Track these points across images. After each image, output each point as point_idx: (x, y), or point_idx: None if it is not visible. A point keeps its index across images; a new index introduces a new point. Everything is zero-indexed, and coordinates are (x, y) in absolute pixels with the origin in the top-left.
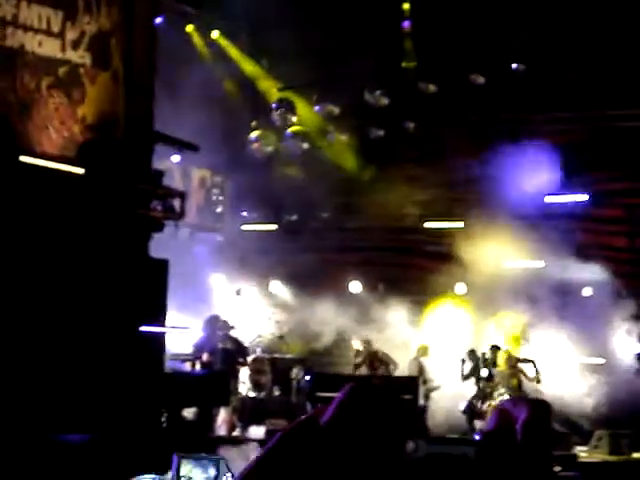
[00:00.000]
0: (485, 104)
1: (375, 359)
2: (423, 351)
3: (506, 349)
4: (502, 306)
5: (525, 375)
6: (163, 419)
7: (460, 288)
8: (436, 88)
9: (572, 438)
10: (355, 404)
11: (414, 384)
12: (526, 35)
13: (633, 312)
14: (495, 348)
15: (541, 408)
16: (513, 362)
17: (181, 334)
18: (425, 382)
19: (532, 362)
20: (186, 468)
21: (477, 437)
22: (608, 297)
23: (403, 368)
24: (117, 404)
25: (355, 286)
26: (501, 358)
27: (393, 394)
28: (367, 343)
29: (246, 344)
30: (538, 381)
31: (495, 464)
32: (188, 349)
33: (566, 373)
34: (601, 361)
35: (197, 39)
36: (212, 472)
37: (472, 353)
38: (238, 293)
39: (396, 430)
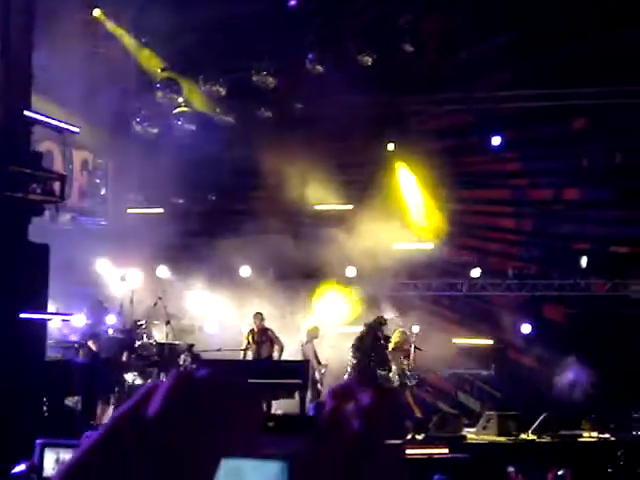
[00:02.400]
0: (373, 85)
1: (264, 334)
2: (314, 333)
3: (402, 329)
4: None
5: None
6: (44, 407)
7: (350, 271)
8: (323, 69)
9: (461, 420)
10: (182, 393)
11: (304, 368)
12: (413, 15)
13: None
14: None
15: (387, 396)
16: (407, 342)
17: (63, 321)
18: (319, 364)
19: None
20: (51, 457)
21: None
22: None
23: (292, 352)
24: None
25: (245, 270)
26: (396, 337)
27: (226, 385)
28: (259, 318)
29: (132, 331)
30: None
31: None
32: (73, 336)
33: (453, 353)
34: (490, 342)
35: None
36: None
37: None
38: (123, 279)
39: (229, 423)
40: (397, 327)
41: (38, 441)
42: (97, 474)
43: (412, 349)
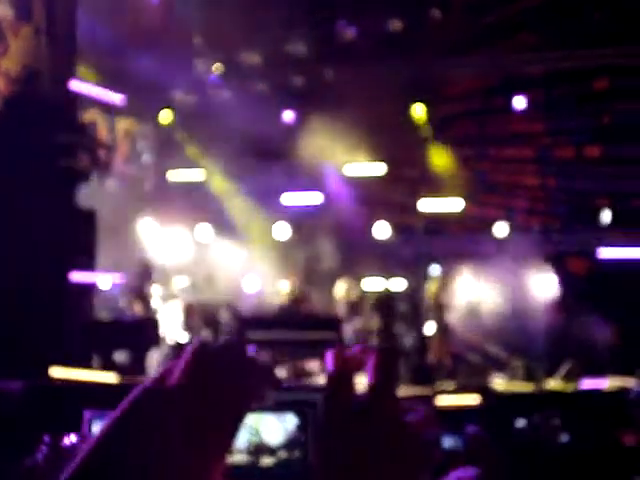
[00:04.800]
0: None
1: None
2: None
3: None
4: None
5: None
6: (94, 364)
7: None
8: (355, 34)
9: (489, 368)
10: (201, 364)
11: (339, 323)
12: None
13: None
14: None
15: (390, 355)
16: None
17: (112, 281)
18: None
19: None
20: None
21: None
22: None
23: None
24: (49, 351)
25: (281, 231)
26: (433, 286)
27: (239, 352)
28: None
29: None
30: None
31: (341, 410)
32: (120, 296)
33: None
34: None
35: None
36: None
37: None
38: (167, 238)
39: (245, 387)
40: (436, 277)
41: (86, 413)
42: (124, 444)
43: (448, 300)
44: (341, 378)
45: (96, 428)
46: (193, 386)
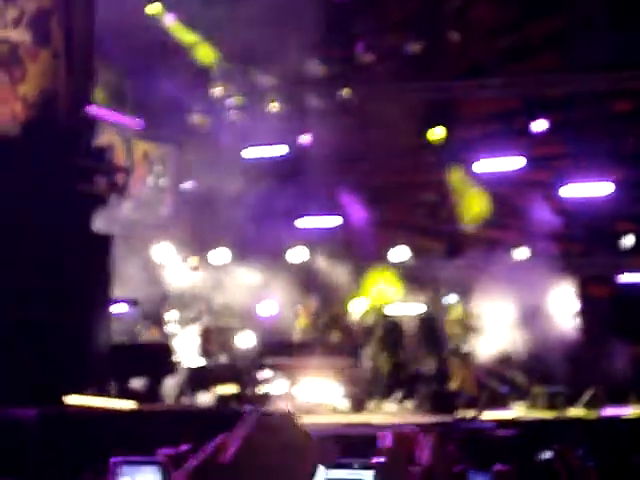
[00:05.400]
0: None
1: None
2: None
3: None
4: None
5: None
6: (111, 390)
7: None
8: (374, 57)
9: (510, 396)
10: (257, 438)
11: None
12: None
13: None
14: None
15: (446, 441)
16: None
17: (129, 305)
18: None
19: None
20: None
21: (375, 460)
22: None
23: None
24: (66, 377)
25: (299, 253)
26: (456, 311)
27: (293, 424)
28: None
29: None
30: (481, 331)
31: None
32: (137, 321)
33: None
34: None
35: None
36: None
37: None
38: (183, 264)
39: (301, 461)
40: (458, 302)
41: (113, 460)
42: None
43: (472, 325)
44: (396, 458)
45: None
46: (247, 460)
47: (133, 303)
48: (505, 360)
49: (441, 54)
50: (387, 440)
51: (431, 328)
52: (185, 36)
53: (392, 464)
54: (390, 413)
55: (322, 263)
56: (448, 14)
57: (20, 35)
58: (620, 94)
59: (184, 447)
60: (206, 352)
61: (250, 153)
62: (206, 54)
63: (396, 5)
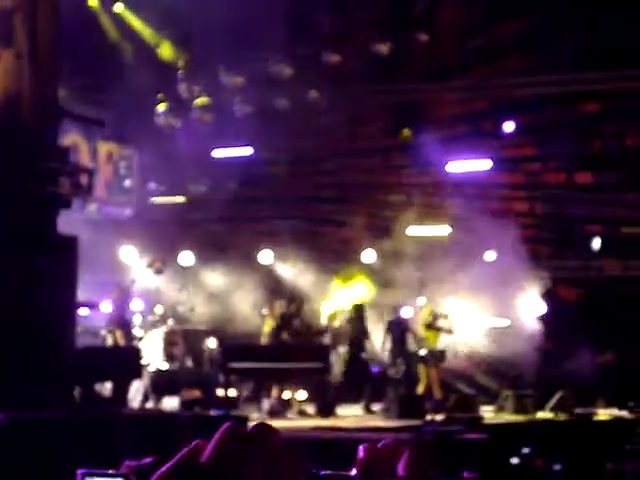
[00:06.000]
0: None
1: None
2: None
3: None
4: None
5: (441, 328)
6: (76, 395)
7: (368, 255)
8: (341, 58)
9: (479, 399)
10: (232, 448)
11: (326, 352)
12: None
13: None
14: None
15: (423, 452)
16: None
17: (92, 309)
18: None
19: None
20: None
21: (353, 473)
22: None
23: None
24: (29, 381)
25: (265, 256)
26: (425, 313)
27: (271, 435)
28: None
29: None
30: (450, 332)
31: None
32: (101, 323)
33: (473, 334)
34: (507, 323)
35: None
36: None
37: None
38: (148, 266)
39: (279, 474)
40: (426, 305)
41: (80, 471)
42: None
43: (441, 326)
44: (372, 472)
45: None
46: (223, 468)
47: (97, 306)
48: (474, 363)
49: (409, 55)
50: (363, 452)
51: (400, 330)
52: (150, 35)
53: (368, 477)
54: (358, 417)
55: (289, 266)
56: (416, 15)
57: None
58: (587, 95)
59: (147, 460)
60: (171, 356)
61: (217, 154)
62: (171, 54)
63: (364, 5)
